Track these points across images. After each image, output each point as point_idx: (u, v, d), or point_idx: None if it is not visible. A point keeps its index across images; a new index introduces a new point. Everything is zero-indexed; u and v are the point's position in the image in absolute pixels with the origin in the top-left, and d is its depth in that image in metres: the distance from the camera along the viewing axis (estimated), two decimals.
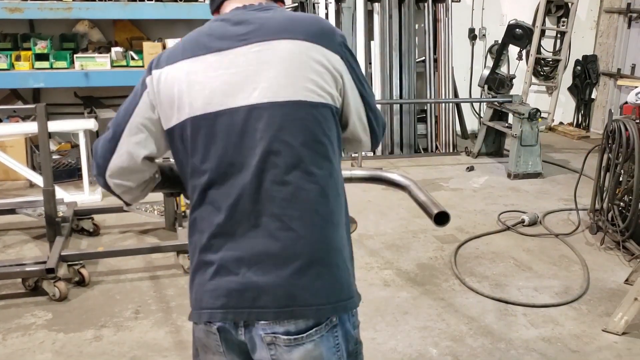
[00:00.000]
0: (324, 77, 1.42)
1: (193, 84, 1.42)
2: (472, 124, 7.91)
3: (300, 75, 1.40)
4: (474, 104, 7.86)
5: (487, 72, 6.53)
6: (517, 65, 7.21)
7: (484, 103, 7.11)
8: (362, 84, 1.52)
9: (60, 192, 4.76)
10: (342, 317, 1.46)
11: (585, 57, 8.11)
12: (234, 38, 1.43)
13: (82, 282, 3.71)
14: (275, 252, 1.39)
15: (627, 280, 3.82)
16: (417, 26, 7.17)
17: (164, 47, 5.77)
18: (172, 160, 1.58)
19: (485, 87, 6.69)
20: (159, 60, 1.49)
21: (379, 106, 1.92)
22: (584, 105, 8.22)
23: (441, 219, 1.73)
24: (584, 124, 8.21)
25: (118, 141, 1.49)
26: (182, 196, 4.26)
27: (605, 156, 4.44)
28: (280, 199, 1.39)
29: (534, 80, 8.03)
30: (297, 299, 1.39)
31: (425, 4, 7.03)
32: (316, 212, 1.41)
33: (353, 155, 6.34)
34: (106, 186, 1.55)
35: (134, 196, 1.61)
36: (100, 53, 5.78)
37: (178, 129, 1.44)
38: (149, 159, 1.53)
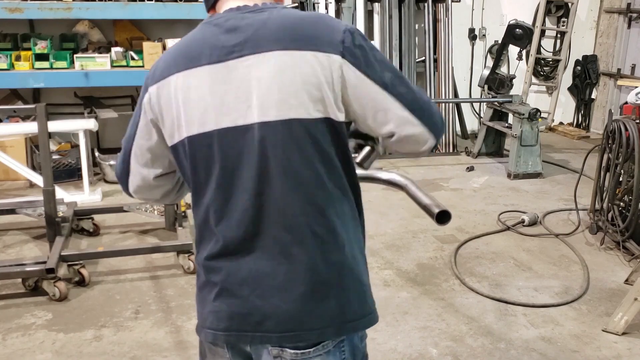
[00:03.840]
0: (320, 88, 1.32)
1: (187, 101, 1.37)
2: (472, 124, 7.91)
3: (293, 90, 1.31)
4: (474, 104, 7.86)
5: (487, 72, 6.52)
6: (517, 65, 7.20)
7: (484, 103, 7.11)
8: (379, 75, 1.36)
9: (60, 192, 4.76)
10: None
11: (585, 57, 8.11)
12: (226, 49, 1.35)
13: (82, 282, 3.72)
14: (277, 276, 1.36)
15: (627, 280, 3.82)
16: (417, 26, 7.17)
17: (164, 47, 5.77)
18: None
19: (485, 87, 6.70)
20: (154, 73, 1.44)
21: None
22: (584, 105, 8.22)
23: (443, 217, 1.72)
24: (584, 124, 8.21)
25: (129, 164, 1.52)
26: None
27: (605, 156, 4.44)
28: (279, 223, 1.35)
29: (534, 80, 8.03)
30: (301, 323, 1.37)
31: (425, 4, 7.03)
32: (314, 235, 1.36)
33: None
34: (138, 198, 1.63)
35: (170, 199, 1.65)
36: (100, 53, 5.78)
37: (180, 146, 1.41)
38: (162, 175, 1.54)
